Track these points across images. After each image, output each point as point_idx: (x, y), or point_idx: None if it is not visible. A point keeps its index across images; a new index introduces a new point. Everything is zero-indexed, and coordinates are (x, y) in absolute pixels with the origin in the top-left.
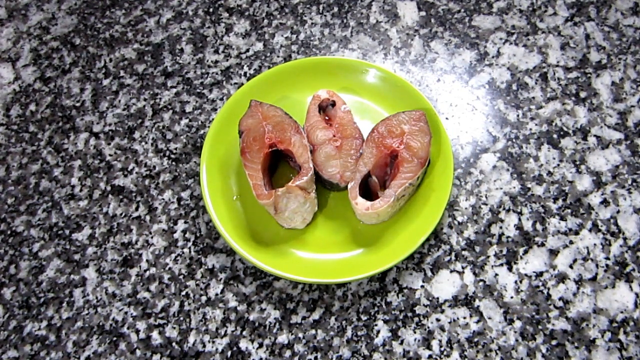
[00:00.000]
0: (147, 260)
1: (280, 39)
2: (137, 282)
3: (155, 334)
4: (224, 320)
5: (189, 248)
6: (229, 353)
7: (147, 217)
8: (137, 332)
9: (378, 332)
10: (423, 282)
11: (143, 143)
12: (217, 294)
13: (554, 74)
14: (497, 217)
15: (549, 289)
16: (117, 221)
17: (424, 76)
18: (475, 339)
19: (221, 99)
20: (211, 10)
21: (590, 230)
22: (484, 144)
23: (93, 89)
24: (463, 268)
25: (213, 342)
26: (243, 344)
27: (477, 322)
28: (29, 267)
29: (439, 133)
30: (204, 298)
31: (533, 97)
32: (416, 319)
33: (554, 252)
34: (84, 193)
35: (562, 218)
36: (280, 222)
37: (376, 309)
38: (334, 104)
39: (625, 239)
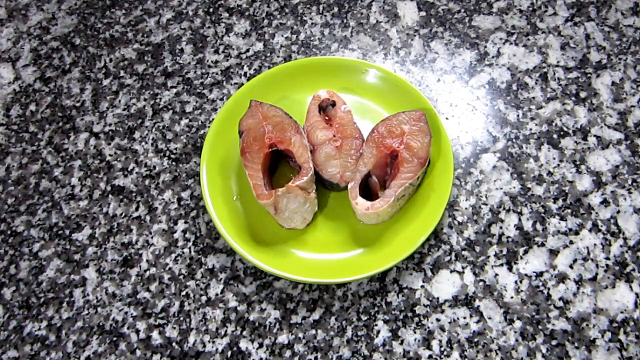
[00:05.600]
0: (147, 260)
1: (280, 39)
2: (137, 282)
3: (155, 334)
4: (224, 320)
5: (189, 248)
6: (229, 353)
7: (147, 217)
8: (137, 332)
9: (378, 332)
10: (423, 282)
11: (143, 143)
12: (217, 294)
13: (554, 74)
14: (497, 217)
15: (549, 289)
16: (117, 221)
17: (424, 76)
18: (475, 339)
19: (221, 99)
20: (211, 10)
21: (590, 230)
22: (484, 144)
23: (93, 89)
24: (463, 268)
25: (213, 342)
26: (243, 344)
27: (477, 322)
28: (29, 267)
29: (439, 133)
30: (204, 298)
31: (533, 97)
32: (416, 319)
33: (554, 252)
34: (84, 193)
35: (562, 218)
36: (280, 222)
37: (376, 309)
38: (334, 104)
39: (625, 239)
